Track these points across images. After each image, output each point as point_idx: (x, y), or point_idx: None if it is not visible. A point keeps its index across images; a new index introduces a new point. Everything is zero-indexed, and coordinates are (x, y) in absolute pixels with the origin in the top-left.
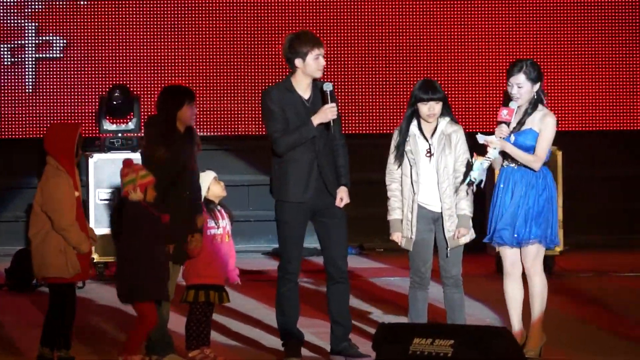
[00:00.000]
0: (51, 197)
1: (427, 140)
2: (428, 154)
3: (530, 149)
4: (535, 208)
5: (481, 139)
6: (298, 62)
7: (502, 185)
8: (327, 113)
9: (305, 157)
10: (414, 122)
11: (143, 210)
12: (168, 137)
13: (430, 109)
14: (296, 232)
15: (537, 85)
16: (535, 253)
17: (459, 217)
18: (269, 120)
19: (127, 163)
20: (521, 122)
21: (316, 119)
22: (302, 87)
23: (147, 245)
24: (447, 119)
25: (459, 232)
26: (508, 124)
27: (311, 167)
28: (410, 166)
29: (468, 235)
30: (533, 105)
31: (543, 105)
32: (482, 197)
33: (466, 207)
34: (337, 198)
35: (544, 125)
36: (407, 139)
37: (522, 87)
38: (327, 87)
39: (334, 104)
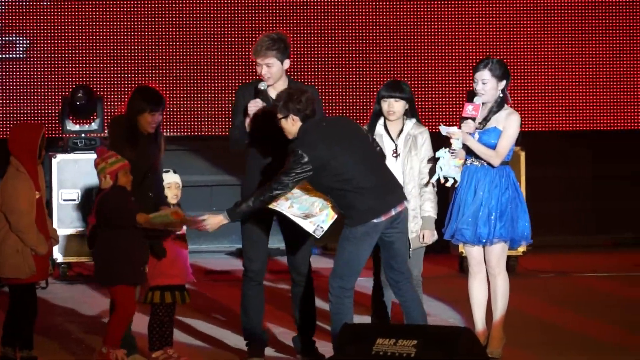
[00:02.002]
0: (9, 198)
1: (394, 141)
2: (394, 154)
3: (493, 147)
4: (499, 207)
5: (443, 130)
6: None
7: (464, 183)
8: (248, 109)
9: (260, 155)
10: (381, 122)
11: (118, 196)
12: (132, 140)
13: (389, 106)
14: (255, 232)
15: (503, 83)
16: (499, 253)
17: (423, 218)
18: (232, 114)
19: (99, 152)
20: (486, 119)
21: (246, 118)
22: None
23: (122, 229)
24: (413, 120)
25: (423, 234)
26: (474, 119)
27: (264, 167)
28: None
29: (431, 237)
30: (499, 104)
31: (509, 105)
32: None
33: (431, 209)
34: None
35: (508, 123)
36: (374, 138)
37: (486, 83)
38: (262, 85)
39: (256, 100)
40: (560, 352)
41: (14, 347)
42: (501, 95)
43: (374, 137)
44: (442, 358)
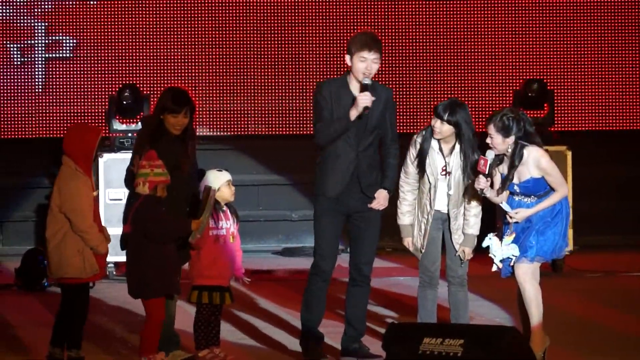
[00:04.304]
0: (71, 198)
1: (444, 158)
2: (443, 172)
3: (540, 188)
4: (549, 230)
5: (508, 209)
6: (347, 59)
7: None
8: (359, 101)
9: (346, 154)
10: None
11: (152, 206)
12: (153, 138)
13: (435, 125)
14: (330, 229)
15: (511, 139)
16: (528, 265)
17: (465, 235)
18: (315, 112)
19: (149, 156)
20: (511, 176)
21: (352, 111)
22: (355, 86)
23: (153, 242)
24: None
25: (463, 251)
26: (484, 174)
27: (349, 165)
28: (429, 183)
29: (471, 254)
30: (518, 157)
31: (532, 144)
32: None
33: (474, 224)
34: (375, 201)
35: (544, 170)
36: (431, 152)
37: (493, 138)
38: (365, 80)
39: (367, 93)
40: (604, 352)
41: (62, 347)
42: (516, 148)
43: (424, 148)
44: (489, 357)
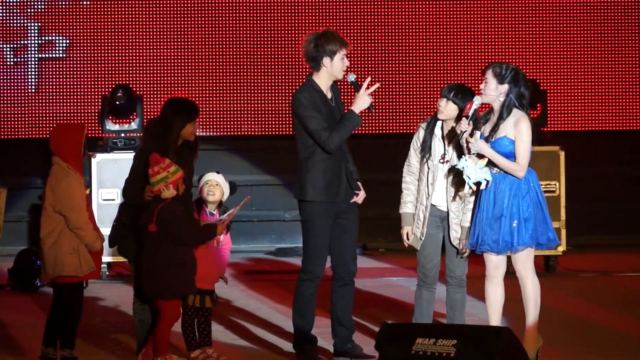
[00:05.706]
0: (65, 196)
1: (444, 146)
2: (441, 160)
3: (507, 156)
4: (521, 214)
5: (463, 125)
6: (325, 61)
7: (484, 192)
8: (366, 98)
9: (335, 157)
10: (440, 124)
11: (173, 211)
12: (167, 153)
13: (440, 104)
14: (325, 234)
15: (504, 87)
16: (525, 256)
17: (463, 228)
18: (311, 119)
19: (155, 160)
20: (495, 129)
21: (357, 108)
22: (325, 87)
23: (176, 243)
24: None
25: (463, 244)
26: (467, 117)
27: (340, 166)
28: (428, 169)
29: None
30: (507, 109)
31: (522, 109)
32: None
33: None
34: (360, 194)
35: (518, 132)
36: (433, 139)
37: (487, 82)
38: (351, 77)
39: (364, 87)
40: (600, 352)
41: (55, 346)
42: (509, 100)
43: (427, 133)
44: (482, 357)
